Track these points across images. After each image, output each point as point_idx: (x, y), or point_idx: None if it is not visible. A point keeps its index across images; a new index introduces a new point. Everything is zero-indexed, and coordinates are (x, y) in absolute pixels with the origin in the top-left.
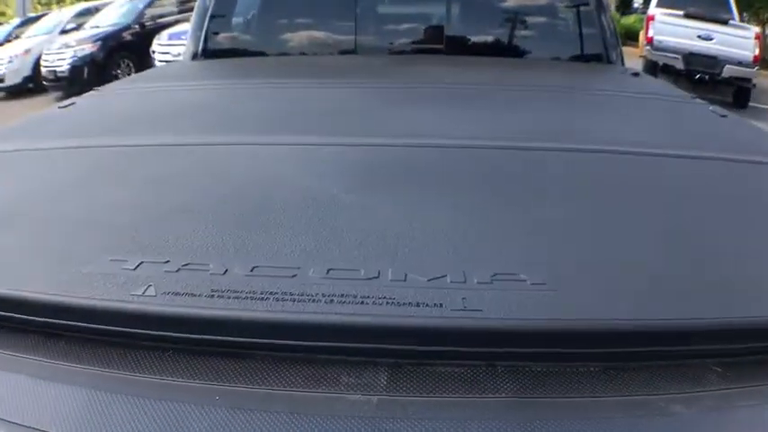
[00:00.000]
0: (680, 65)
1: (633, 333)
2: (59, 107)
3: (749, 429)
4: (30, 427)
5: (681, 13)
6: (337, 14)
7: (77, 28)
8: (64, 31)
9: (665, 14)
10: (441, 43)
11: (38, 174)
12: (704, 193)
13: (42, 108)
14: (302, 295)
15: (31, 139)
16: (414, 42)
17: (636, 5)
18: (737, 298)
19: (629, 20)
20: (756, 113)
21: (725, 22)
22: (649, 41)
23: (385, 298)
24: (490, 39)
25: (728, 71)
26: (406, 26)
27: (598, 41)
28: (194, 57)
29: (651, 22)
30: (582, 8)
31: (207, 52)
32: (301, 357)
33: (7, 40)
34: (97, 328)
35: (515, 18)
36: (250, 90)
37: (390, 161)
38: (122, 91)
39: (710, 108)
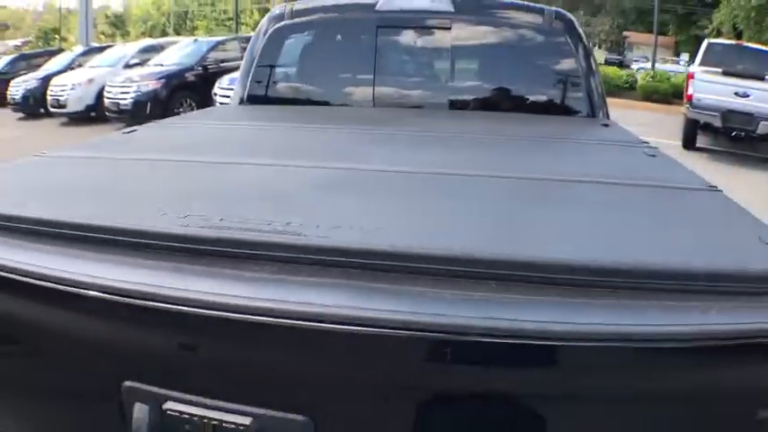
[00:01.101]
0: (718, 122)
1: (409, 254)
2: (123, 132)
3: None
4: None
5: (720, 70)
6: (359, 74)
7: (141, 64)
8: (128, 66)
9: (705, 72)
10: (444, 100)
11: (114, 172)
12: (574, 199)
13: None
14: (250, 230)
15: (108, 152)
16: (421, 99)
17: (681, 62)
18: (517, 240)
19: (679, 79)
20: None
21: (762, 78)
22: (689, 99)
23: (284, 231)
24: (488, 96)
25: (763, 127)
26: (415, 84)
27: (584, 100)
28: (240, 102)
29: (691, 80)
30: (572, 72)
31: (250, 99)
32: (243, 256)
33: (70, 67)
34: (154, 243)
35: (513, 80)
36: (279, 130)
37: (352, 178)
38: (175, 123)
39: (645, 150)
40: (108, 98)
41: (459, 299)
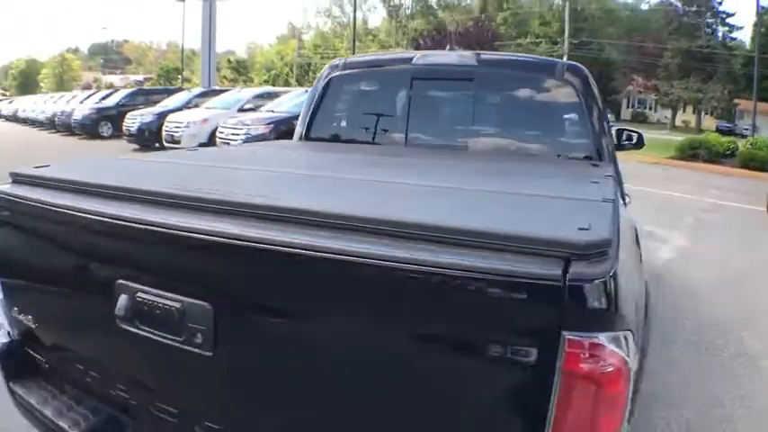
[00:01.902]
0: None
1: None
2: (188, 149)
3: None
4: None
5: None
6: (395, 118)
7: (254, 109)
8: (242, 109)
9: None
10: (463, 143)
11: (156, 167)
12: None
13: None
14: (212, 193)
15: (177, 158)
16: (445, 140)
17: None
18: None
19: None
20: None
21: None
22: None
23: (230, 195)
24: (498, 140)
25: None
26: (441, 128)
27: (581, 141)
28: (300, 138)
29: None
30: (574, 116)
31: (307, 136)
32: (202, 208)
33: (186, 106)
34: (154, 199)
35: (521, 126)
36: (323, 156)
37: (370, 186)
38: (236, 147)
39: (594, 180)
40: (220, 138)
41: (292, 231)
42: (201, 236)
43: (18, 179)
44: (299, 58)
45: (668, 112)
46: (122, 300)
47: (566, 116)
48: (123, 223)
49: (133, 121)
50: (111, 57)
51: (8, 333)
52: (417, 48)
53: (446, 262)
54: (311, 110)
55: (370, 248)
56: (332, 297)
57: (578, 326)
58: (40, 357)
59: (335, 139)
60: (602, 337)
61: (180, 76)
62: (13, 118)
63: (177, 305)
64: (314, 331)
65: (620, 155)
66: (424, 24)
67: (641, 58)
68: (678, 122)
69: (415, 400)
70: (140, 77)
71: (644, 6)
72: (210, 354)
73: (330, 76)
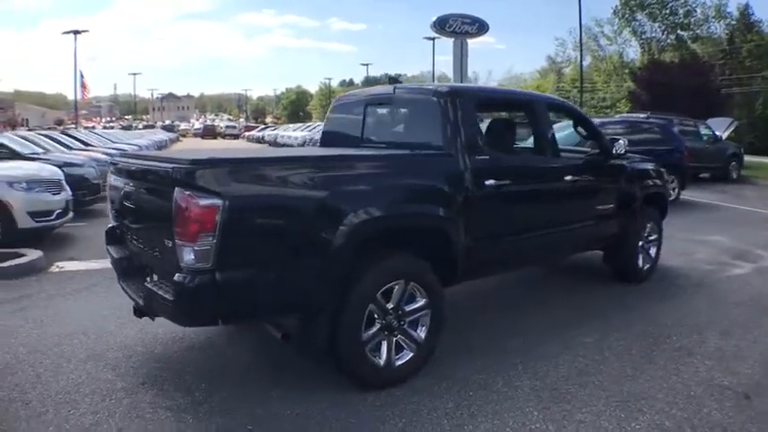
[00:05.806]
0: None
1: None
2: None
3: None
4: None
5: None
6: (358, 126)
7: None
8: None
9: None
10: (384, 138)
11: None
12: None
13: None
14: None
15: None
16: (379, 138)
17: None
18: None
19: None
20: None
21: None
22: None
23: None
24: (400, 138)
25: None
26: (378, 131)
27: (444, 143)
28: (319, 144)
29: None
30: (439, 124)
31: (320, 142)
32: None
33: None
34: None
35: (411, 128)
36: (305, 149)
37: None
38: (288, 149)
39: (415, 157)
40: None
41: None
42: (140, 165)
43: (118, 158)
44: (557, 92)
45: None
46: (122, 193)
47: (432, 122)
48: (129, 166)
49: None
50: None
51: (112, 223)
52: (635, 80)
53: (165, 164)
54: (323, 127)
55: (160, 163)
56: (154, 182)
57: (183, 185)
58: (118, 231)
59: (332, 142)
60: (191, 191)
61: None
62: (274, 143)
63: (132, 188)
64: (155, 188)
65: None
66: (678, 56)
67: None
68: None
69: (161, 217)
70: None
71: None
72: (134, 207)
73: (333, 104)
